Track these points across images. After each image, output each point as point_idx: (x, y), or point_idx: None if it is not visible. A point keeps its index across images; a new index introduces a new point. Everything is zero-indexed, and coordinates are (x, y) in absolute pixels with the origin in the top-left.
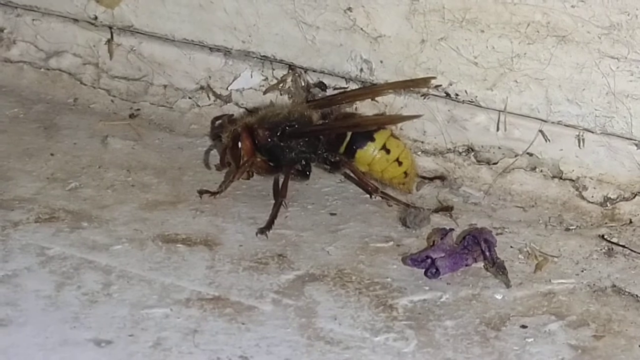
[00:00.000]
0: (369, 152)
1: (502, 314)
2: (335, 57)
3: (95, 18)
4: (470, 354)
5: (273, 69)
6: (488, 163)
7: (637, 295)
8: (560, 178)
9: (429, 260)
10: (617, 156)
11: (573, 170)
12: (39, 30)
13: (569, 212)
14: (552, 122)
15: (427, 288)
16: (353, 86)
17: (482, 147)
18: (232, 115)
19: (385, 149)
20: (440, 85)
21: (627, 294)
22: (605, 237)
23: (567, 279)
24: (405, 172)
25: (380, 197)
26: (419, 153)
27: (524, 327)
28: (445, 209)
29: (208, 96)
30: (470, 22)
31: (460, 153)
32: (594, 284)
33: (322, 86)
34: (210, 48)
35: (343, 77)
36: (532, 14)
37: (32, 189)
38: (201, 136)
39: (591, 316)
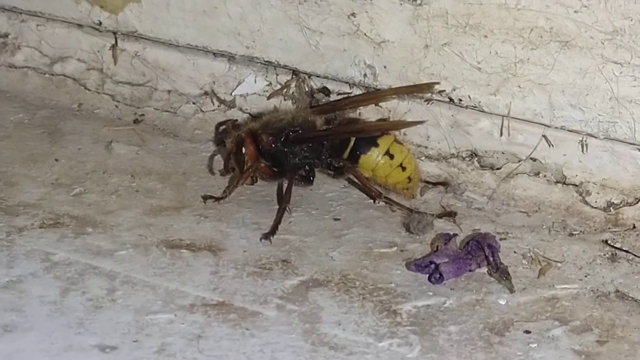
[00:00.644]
0: (373, 158)
1: (505, 319)
2: (339, 63)
3: (100, 23)
4: (474, 359)
5: (277, 74)
6: (491, 168)
7: None
8: (564, 183)
9: (432, 266)
10: (620, 161)
11: (576, 176)
12: (43, 35)
13: (573, 217)
14: (556, 127)
15: (430, 293)
16: (357, 91)
17: (485, 152)
18: (236, 120)
19: (389, 154)
20: (444, 91)
21: (630, 299)
22: (609, 242)
23: (570, 284)
24: (409, 178)
25: (384, 202)
26: (423, 158)
27: (527, 332)
28: (449, 214)
29: (212, 101)
30: (474, 28)
31: (463, 158)
32: (597, 289)
33: (325, 91)
34: (214, 53)
35: (347, 83)
36: (536, 20)
37: (36, 194)
38: (205, 141)
39: (595, 321)
